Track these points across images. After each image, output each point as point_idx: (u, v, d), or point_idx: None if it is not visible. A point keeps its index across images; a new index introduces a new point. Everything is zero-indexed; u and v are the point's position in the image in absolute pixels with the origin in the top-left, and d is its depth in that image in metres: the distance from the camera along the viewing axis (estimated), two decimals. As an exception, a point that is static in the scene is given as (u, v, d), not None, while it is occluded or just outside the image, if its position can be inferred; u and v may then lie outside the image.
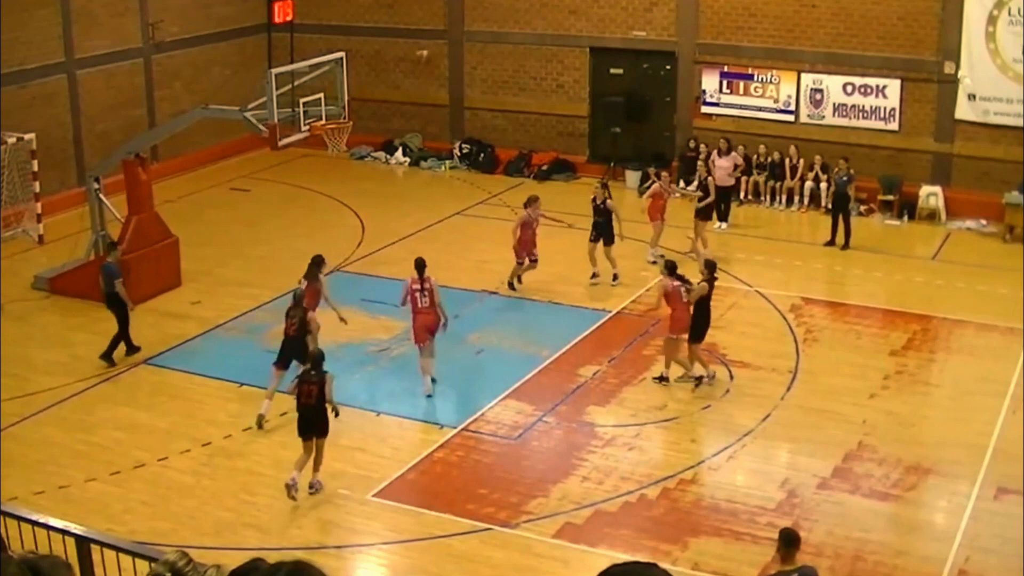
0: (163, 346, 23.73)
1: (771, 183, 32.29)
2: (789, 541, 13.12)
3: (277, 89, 24.27)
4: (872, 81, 31.74)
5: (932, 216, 30.99)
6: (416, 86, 37.67)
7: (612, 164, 34.42)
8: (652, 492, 18.33)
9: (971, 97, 30.70)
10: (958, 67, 30.64)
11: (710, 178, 28.64)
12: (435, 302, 21.27)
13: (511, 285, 26.14)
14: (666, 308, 21.88)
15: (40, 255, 28.59)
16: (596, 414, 20.95)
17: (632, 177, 33.92)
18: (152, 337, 24.10)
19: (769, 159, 32.45)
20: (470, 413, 20.96)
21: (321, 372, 18.24)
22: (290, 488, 17.96)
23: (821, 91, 32.33)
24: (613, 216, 26.31)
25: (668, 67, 34.38)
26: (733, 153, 29.98)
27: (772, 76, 32.89)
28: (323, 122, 25.26)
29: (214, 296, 26.17)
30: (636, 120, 34.58)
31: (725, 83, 33.48)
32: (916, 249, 29.36)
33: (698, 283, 21.56)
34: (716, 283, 22.00)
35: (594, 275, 26.34)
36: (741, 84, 33.35)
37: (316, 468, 18.36)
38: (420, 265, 21.53)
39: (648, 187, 28.63)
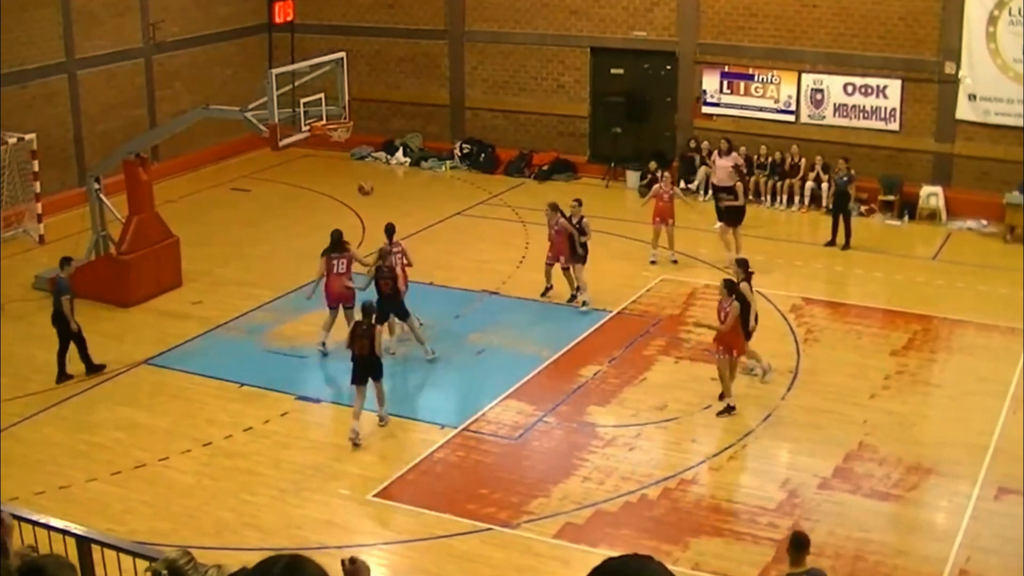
0: (163, 346, 23.71)
1: (772, 183, 32.28)
2: (799, 544, 13.10)
3: (278, 89, 24.28)
4: (873, 81, 31.74)
5: (933, 216, 30.99)
6: (417, 86, 37.68)
7: (613, 164, 34.42)
8: (653, 492, 18.33)
9: (971, 97, 30.70)
10: (959, 67, 30.64)
11: (739, 184, 28.31)
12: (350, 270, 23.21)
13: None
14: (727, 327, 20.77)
15: (41, 255, 28.58)
16: (597, 414, 20.94)
17: (632, 177, 33.91)
18: (152, 337, 24.12)
19: (770, 159, 32.45)
20: (471, 413, 20.94)
21: (372, 325, 19.96)
22: (354, 439, 19.55)
23: (822, 91, 32.34)
24: (578, 233, 24.98)
25: (669, 67, 34.38)
26: (734, 153, 29.97)
27: (773, 76, 32.89)
28: (324, 122, 25.28)
29: (215, 296, 26.17)
30: (637, 120, 34.57)
31: (726, 83, 33.49)
32: (917, 249, 29.36)
33: (739, 284, 21.30)
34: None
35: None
36: (742, 84, 33.35)
37: (381, 403, 20.26)
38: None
39: (651, 186, 28.58)
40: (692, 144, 33.36)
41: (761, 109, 33.11)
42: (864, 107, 31.95)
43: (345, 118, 25.70)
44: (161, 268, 26.30)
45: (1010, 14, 29.82)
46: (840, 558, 16.59)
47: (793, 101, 32.70)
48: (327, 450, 19.58)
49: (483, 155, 36.25)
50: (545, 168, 34.95)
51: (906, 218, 31.06)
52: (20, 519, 8.99)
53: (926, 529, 17.91)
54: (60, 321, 22.23)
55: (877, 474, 18.80)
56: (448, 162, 36.44)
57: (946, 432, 20.14)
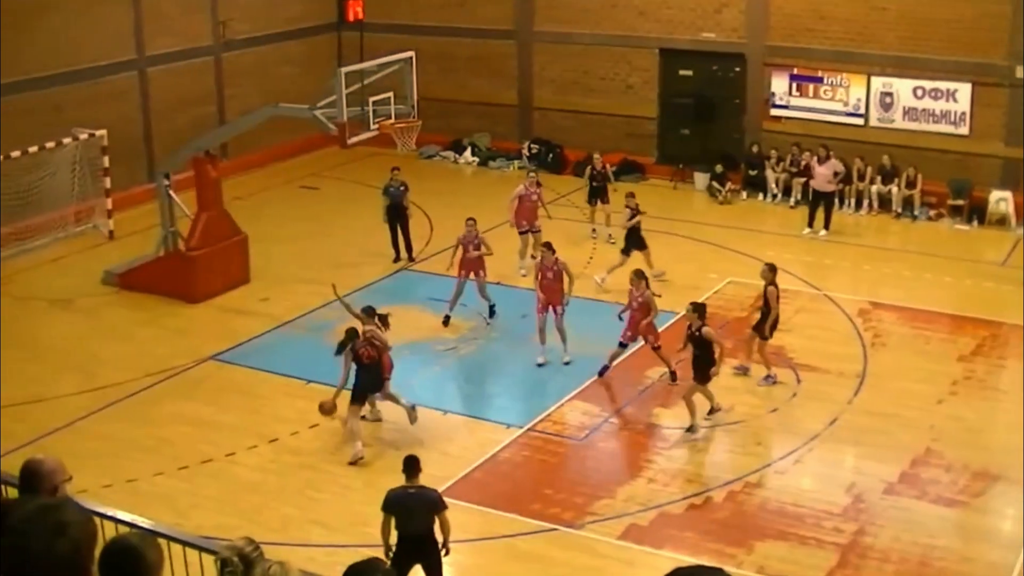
0: (230, 342, 23.90)
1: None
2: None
3: (346, 87, 24.35)
4: (942, 85, 31.50)
5: (1002, 221, 30.74)
6: (485, 86, 37.74)
7: (680, 166, 34.33)
8: (718, 495, 18.30)
9: (1042, 101, 30.46)
10: (1029, 71, 30.44)
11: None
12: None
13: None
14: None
15: (110, 250, 28.87)
16: (662, 416, 20.93)
17: (700, 179, 33.81)
18: (219, 333, 24.29)
19: (868, 168, 32.14)
20: (536, 413, 20.99)
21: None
22: (355, 460, 19.26)
23: (891, 94, 32.14)
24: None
25: (737, 69, 34.30)
26: (832, 160, 29.74)
27: (842, 79, 32.71)
28: (392, 121, 25.33)
29: (282, 293, 26.31)
30: (705, 122, 34.50)
31: (794, 85, 33.33)
32: (985, 254, 29.11)
33: (765, 287, 21.68)
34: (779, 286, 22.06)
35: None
36: (811, 87, 33.18)
37: (397, 401, 20.17)
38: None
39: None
40: (755, 150, 33.20)
41: (830, 112, 32.94)
42: (933, 111, 31.71)
43: (413, 117, 25.76)
44: (229, 265, 26.49)
45: (1083, 17, 29.59)
46: (905, 563, 16.52)
47: (862, 104, 32.50)
48: (392, 448, 19.62)
49: (551, 155, 36.25)
50: (613, 169, 33.58)
51: (975, 223, 30.82)
52: (88, 511, 9.06)
53: (992, 536, 17.80)
54: None
55: (943, 480, 18.70)
56: (516, 162, 36.46)
57: (1013, 439, 19.92)
